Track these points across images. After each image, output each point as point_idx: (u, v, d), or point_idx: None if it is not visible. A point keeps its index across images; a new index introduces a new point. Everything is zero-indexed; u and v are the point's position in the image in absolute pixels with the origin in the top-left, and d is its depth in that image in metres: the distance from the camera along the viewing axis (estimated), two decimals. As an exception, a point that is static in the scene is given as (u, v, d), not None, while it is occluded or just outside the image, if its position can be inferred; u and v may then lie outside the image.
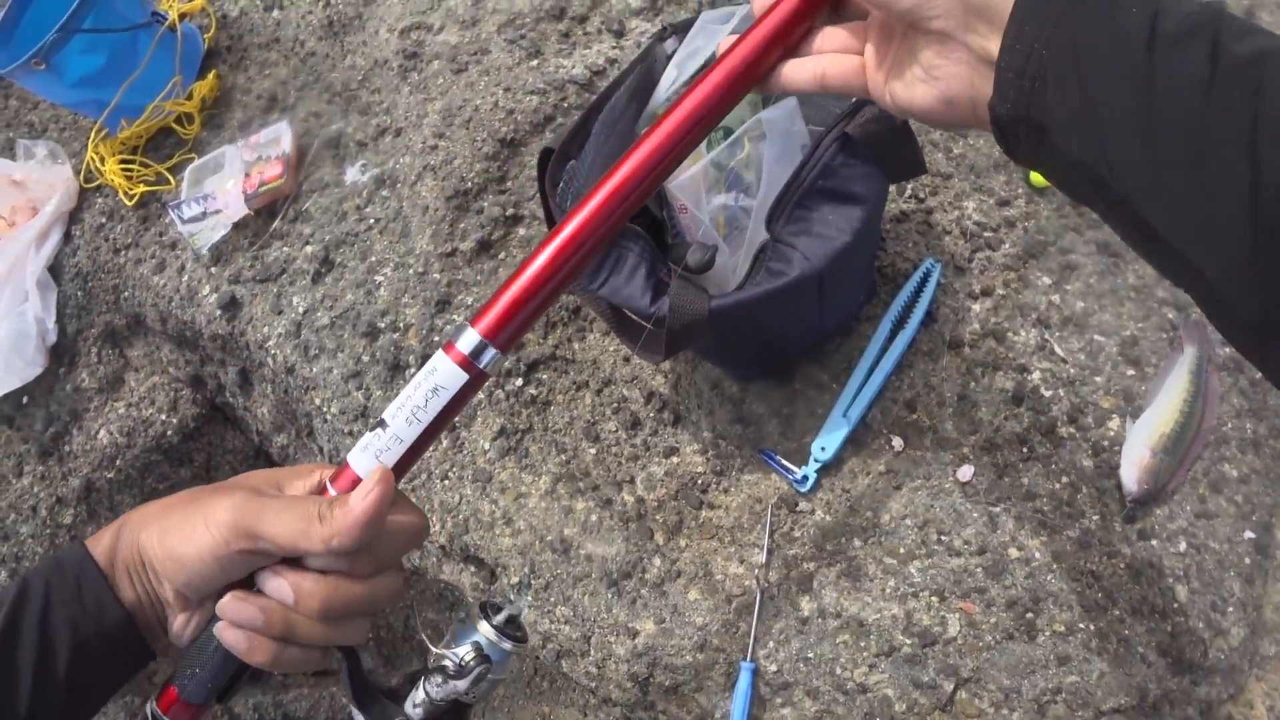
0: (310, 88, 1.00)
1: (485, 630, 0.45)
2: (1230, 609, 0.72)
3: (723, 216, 0.70)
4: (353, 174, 0.91)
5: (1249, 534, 0.74)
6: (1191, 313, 0.78)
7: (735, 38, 0.46)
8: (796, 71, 0.44)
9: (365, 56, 0.98)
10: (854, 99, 0.64)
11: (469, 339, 0.43)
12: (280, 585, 0.40)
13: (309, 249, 0.88)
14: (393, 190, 0.88)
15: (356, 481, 0.42)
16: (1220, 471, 0.75)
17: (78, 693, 0.42)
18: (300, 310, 0.86)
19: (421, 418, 0.43)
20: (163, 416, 1.04)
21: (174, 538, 0.41)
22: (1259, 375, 0.78)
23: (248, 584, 0.42)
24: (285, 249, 0.90)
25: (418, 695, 0.45)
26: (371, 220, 0.88)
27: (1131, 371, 0.76)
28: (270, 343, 0.87)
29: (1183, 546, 0.71)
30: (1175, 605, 0.70)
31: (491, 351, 0.43)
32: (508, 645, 0.45)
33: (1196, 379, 0.74)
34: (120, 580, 0.42)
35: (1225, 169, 0.28)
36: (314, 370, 0.84)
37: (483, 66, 0.90)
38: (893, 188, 0.82)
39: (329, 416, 0.83)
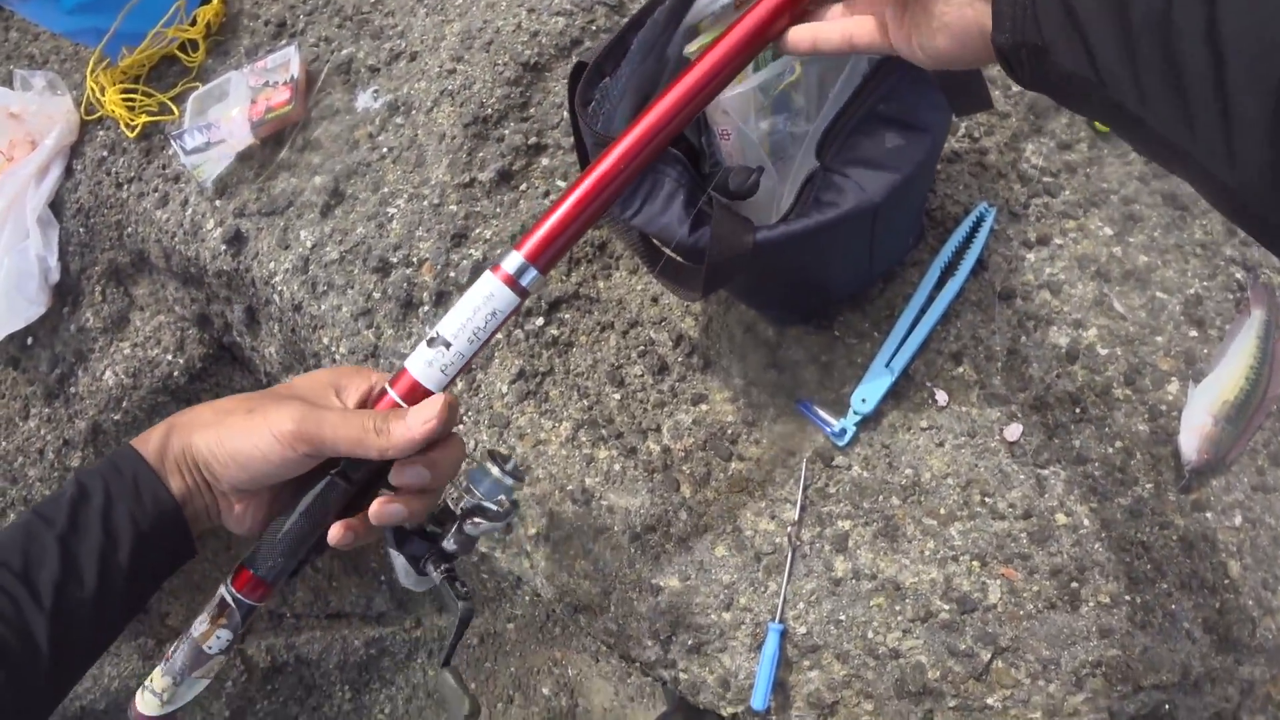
0: (320, 11, 0.93)
1: (500, 475, 0.52)
2: (1284, 586, 0.67)
3: (768, 143, 0.63)
4: (364, 100, 0.84)
5: (1310, 506, 0.68)
6: (1261, 273, 0.72)
7: None
8: (826, 33, 0.47)
9: (380, -23, 0.91)
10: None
11: (513, 260, 0.47)
12: (419, 470, 0.47)
13: (317, 180, 0.82)
14: (407, 117, 0.81)
15: (414, 387, 0.47)
16: (1281, 442, 0.69)
17: (137, 582, 0.46)
18: (308, 245, 0.80)
19: (481, 337, 0.48)
20: (169, 357, 0.99)
21: (236, 442, 0.45)
22: (1327, 339, 0.72)
23: (315, 475, 0.47)
24: (293, 180, 0.84)
25: (453, 531, 0.52)
26: (384, 149, 0.81)
27: (1194, 333, 0.69)
28: (277, 279, 0.81)
29: (1238, 520, 0.66)
30: (1226, 581, 0.65)
31: (533, 272, 0.48)
32: (510, 481, 0.53)
33: (1264, 344, 0.68)
34: (170, 476, 0.46)
35: (1192, 57, 0.31)
36: (322, 308, 0.78)
37: (505, -13, 0.83)
38: (944, 127, 0.75)
39: (338, 356, 0.77)
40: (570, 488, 0.69)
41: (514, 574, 0.75)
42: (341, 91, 0.86)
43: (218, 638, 0.48)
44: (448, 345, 0.47)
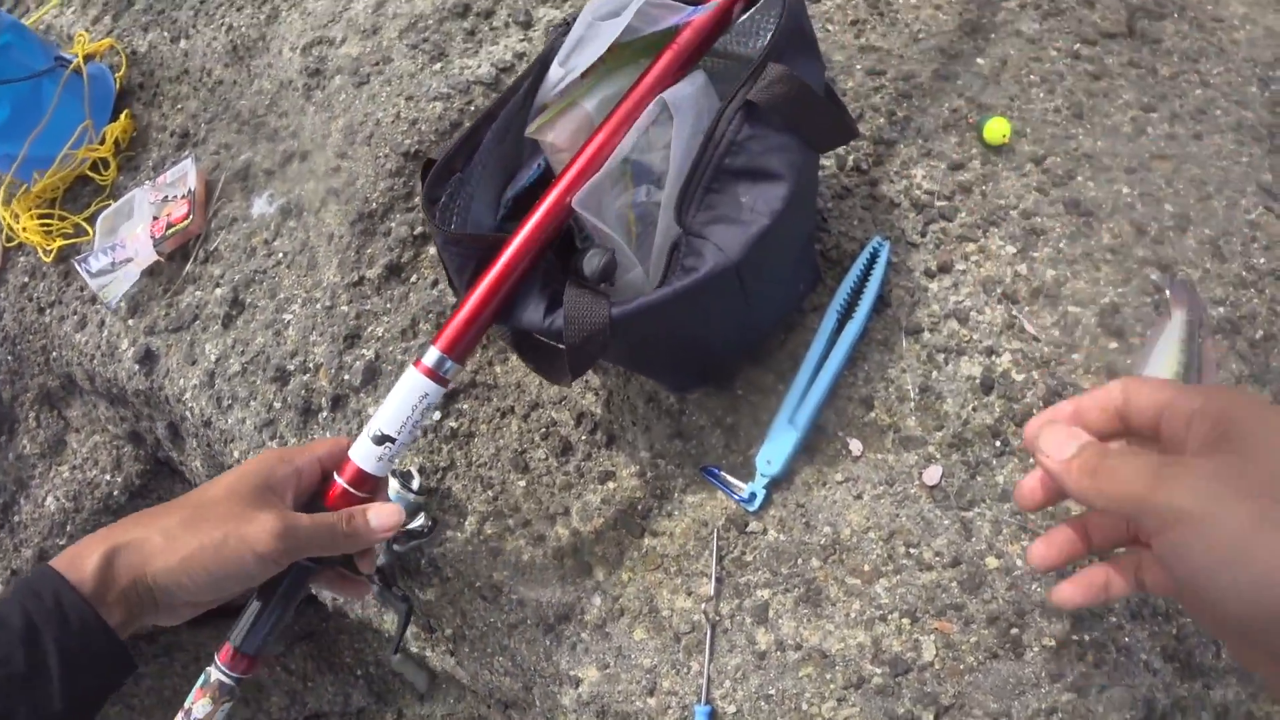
0: (220, 118, 0.94)
1: (411, 496, 0.63)
2: (1249, 601, 0.63)
3: (633, 214, 0.62)
4: (260, 206, 0.84)
5: (1264, 514, 0.64)
6: (1178, 271, 0.69)
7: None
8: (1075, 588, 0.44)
9: (271, 79, 0.92)
10: (759, 59, 0.55)
11: (433, 355, 0.55)
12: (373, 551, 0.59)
13: (219, 291, 0.82)
14: (299, 220, 0.81)
15: (363, 476, 0.55)
16: (1226, 445, 0.65)
17: (75, 709, 0.46)
18: (213, 359, 0.80)
19: (417, 428, 0.56)
20: (107, 476, 0.99)
21: (209, 564, 0.48)
22: (1259, 335, 0.68)
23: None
24: (198, 293, 0.84)
25: (383, 550, 0.64)
26: (280, 254, 0.81)
27: (1114, 344, 0.66)
28: (187, 395, 0.81)
29: (1188, 535, 0.62)
30: (1179, 605, 0.61)
31: (450, 363, 0.55)
32: (413, 498, 0.65)
33: (1188, 347, 0.65)
34: (112, 608, 0.47)
35: None
36: (229, 422, 0.77)
37: (385, 76, 0.83)
38: (832, 160, 0.73)
39: (249, 468, 0.77)
40: (479, 584, 0.67)
41: (445, 671, 0.73)
42: (240, 199, 0.87)
43: (223, 710, 0.54)
44: (393, 440, 0.55)
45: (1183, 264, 0.69)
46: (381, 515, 0.55)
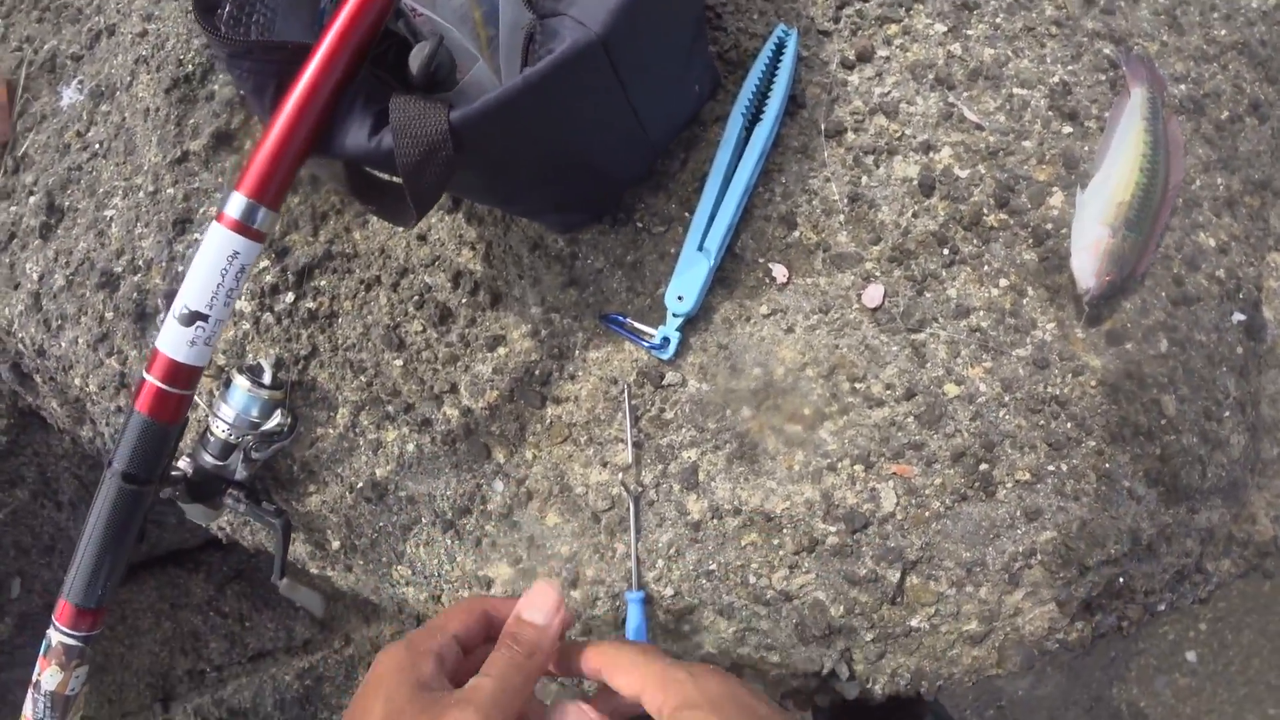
0: (17, 9, 0.75)
1: (264, 393, 0.50)
2: (1227, 413, 0.52)
3: (479, 12, 0.47)
4: (70, 95, 0.67)
5: (1238, 316, 0.53)
6: (1134, 44, 0.56)
7: None
8: None
9: (70, -48, 0.73)
10: None
11: (238, 203, 0.41)
12: None
13: (34, 200, 0.65)
14: (112, 102, 0.64)
15: (177, 369, 0.43)
16: (1195, 243, 0.53)
17: None
18: (36, 277, 0.63)
19: (234, 297, 0.43)
20: (-30, 439, 0.82)
21: None
22: (1225, 115, 0.56)
23: None
24: (12, 208, 0.67)
25: (241, 461, 0.50)
26: (95, 145, 0.64)
27: (1069, 129, 0.53)
28: (15, 326, 0.65)
29: (1164, 345, 0.51)
30: (1163, 421, 0.50)
31: (263, 211, 0.42)
32: (267, 395, 0.51)
33: (1153, 126, 0.52)
34: None
35: None
36: (63, 345, 0.62)
37: (196, -79, 0.65)
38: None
39: (93, 395, 0.61)
40: (360, 485, 0.53)
41: (351, 589, 0.60)
42: (48, 93, 0.69)
43: (78, 676, 0.46)
44: (205, 318, 0.43)
45: (1137, 36, 0.56)
46: (534, 602, 0.37)
